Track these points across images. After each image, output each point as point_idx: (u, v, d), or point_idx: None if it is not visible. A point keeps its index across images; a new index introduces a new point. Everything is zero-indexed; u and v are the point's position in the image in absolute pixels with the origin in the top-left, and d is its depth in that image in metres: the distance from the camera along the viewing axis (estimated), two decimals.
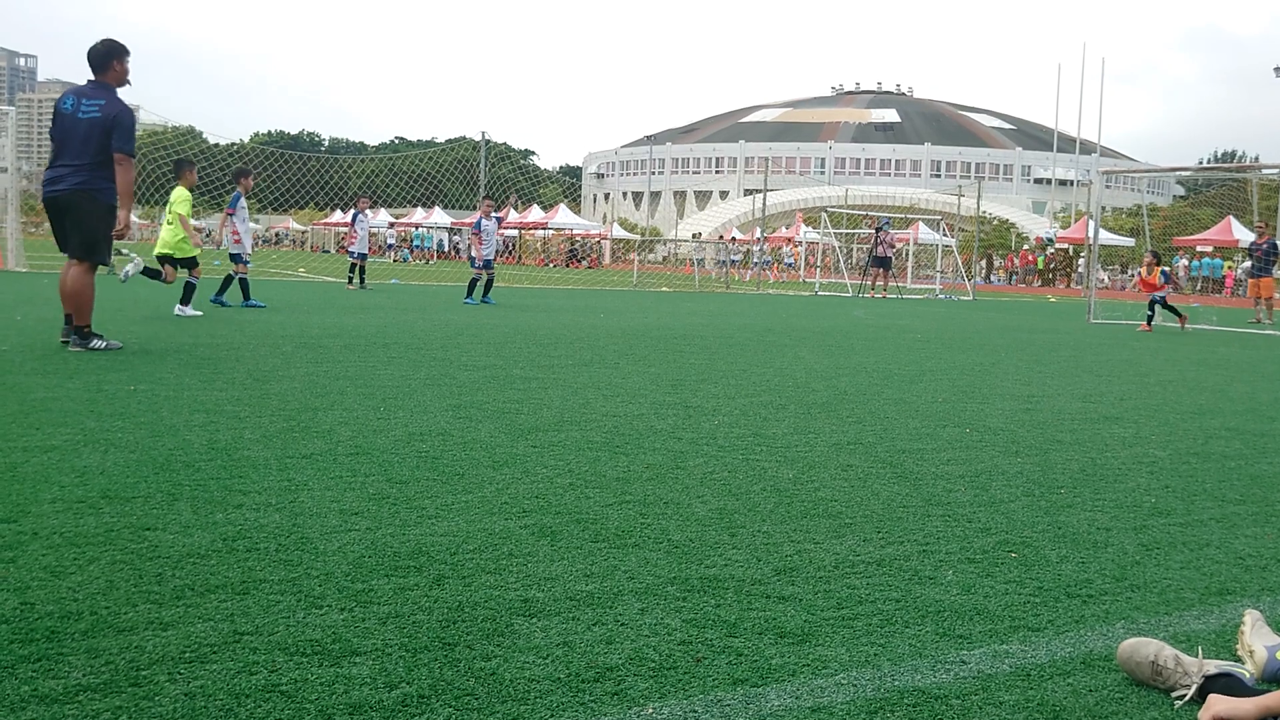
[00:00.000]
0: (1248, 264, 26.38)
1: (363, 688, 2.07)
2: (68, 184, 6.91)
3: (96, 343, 7.05)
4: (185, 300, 10.71)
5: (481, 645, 2.30)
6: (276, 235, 75.73)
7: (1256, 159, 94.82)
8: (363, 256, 18.46)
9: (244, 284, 12.67)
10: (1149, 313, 16.77)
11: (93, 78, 7.13)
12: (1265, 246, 20.39)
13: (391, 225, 57.15)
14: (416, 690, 2.07)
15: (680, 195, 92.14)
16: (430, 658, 2.22)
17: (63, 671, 2.06)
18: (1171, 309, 16.85)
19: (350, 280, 18.55)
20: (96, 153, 6.92)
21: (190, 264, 10.96)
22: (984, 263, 48.15)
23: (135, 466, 3.76)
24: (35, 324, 8.03)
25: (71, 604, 2.41)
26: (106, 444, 4.11)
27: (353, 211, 18.61)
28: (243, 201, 12.85)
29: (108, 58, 7.09)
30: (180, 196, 11.11)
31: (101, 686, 2.01)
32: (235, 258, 12.78)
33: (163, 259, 10.88)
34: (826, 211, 34.05)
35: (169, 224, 11.12)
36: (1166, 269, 17.98)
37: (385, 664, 2.18)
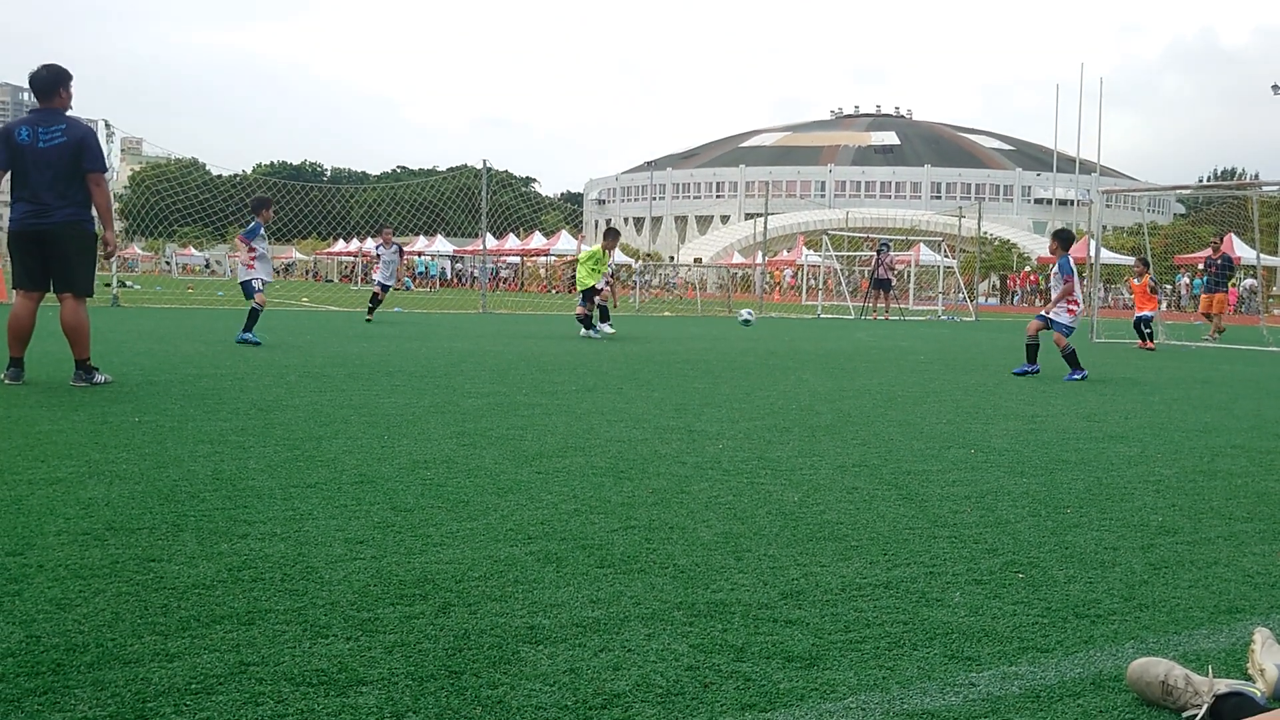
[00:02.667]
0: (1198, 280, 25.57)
1: (369, 717, 2.06)
2: (59, 216, 6.84)
3: (99, 377, 7.04)
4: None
5: (488, 673, 2.30)
6: (287, 265, 75.92)
7: (1256, 176, 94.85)
8: (385, 288, 18.61)
9: (253, 315, 12.68)
10: (1148, 330, 16.66)
11: (39, 105, 7.02)
12: (1220, 261, 19.97)
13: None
14: (423, 719, 2.06)
15: (681, 220, 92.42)
16: (436, 686, 2.22)
17: (69, 704, 2.06)
18: (1149, 331, 16.67)
19: (370, 311, 18.70)
20: (75, 181, 6.90)
21: (591, 293, 15.95)
22: (987, 284, 48.13)
23: (140, 498, 3.77)
24: (39, 357, 8.05)
25: (77, 636, 2.41)
26: (111, 476, 4.12)
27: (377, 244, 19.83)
28: (262, 232, 12.92)
29: (55, 84, 6.99)
30: (587, 253, 16.44)
31: (108, 719, 2.01)
32: (249, 288, 12.77)
33: (585, 291, 16.03)
34: (828, 234, 34.16)
35: (582, 264, 16.37)
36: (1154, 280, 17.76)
37: (392, 693, 2.17)
